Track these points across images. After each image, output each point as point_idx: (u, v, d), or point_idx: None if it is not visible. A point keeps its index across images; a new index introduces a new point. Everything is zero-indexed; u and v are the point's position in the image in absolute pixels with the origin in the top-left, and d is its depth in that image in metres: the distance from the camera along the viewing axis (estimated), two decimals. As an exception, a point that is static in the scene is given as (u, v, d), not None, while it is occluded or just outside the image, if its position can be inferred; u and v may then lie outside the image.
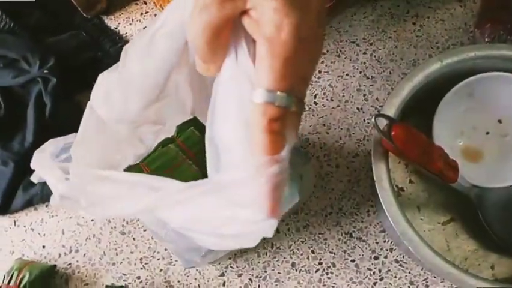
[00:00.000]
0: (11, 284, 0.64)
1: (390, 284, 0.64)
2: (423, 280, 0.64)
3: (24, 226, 0.75)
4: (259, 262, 0.67)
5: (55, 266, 0.70)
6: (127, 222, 0.72)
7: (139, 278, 0.69)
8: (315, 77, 0.76)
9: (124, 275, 0.69)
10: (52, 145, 0.44)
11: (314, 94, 0.74)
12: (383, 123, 0.53)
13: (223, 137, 0.30)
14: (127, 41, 0.83)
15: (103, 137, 0.44)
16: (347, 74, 0.75)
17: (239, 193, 0.28)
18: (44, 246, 0.73)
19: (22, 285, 0.64)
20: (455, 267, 0.50)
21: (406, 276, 0.64)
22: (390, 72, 0.75)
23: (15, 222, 0.75)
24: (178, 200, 0.31)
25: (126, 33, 0.84)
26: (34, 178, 0.43)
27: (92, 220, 0.73)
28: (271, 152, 0.28)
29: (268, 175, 0.27)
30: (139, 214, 0.42)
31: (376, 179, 0.54)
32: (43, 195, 0.73)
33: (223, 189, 0.29)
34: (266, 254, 0.68)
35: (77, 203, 0.38)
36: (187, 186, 0.31)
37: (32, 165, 0.42)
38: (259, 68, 0.28)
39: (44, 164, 0.41)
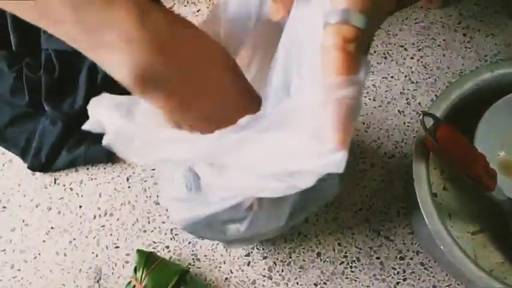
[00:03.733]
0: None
1: (413, 285, 0.65)
2: (447, 286, 0.64)
3: (64, 185, 0.78)
4: (285, 247, 0.69)
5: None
6: (162, 193, 0.74)
7: (167, 247, 0.71)
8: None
9: (154, 242, 0.72)
10: (109, 98, 0.44)
11: (357, 92, 0.75)
12: (428, 123, 0.53)
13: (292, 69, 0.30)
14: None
15: None
16: (391, 76, 0.76)
17: (307, 120, 0.26)
18: (80, 206, 0.76)
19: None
20: (486, 272, 0.51)
21: (430, 280, 0.65)
22: (435, 79, 0.75)
23: (55, 180, 0.78)
24: (235, 140, 0.30)
25: (180, 14, 0.87)
26: (87, 125, 0.43)
27: (129, 187, 0.76)
28: (347, 72, 0.25)
29: (342, 97, 0.25)
30: (192, 160, 0.40)
31: (415, 177, 0.55)
32: (86, 157, 0.77)
33: (289, 118, 0.27)
34: (293, 241, 0.69)
35: (129, 145, 0.38)
36: (247, 120, 0.29)
37: (89, 107, 0.42)
38: None
39: (102, 103, 0.41)
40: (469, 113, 0.61)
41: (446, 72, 0.76)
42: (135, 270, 0.66)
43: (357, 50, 0.26)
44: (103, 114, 0.41)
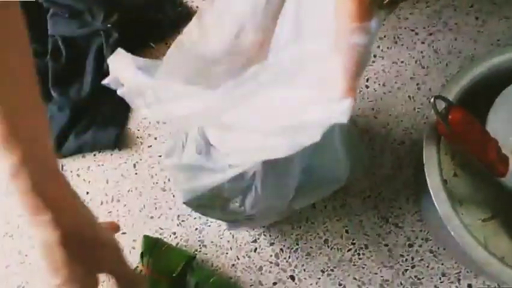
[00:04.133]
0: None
1: (422, 272, 0.64)
2: (456, 273, 0.63)
3: (71, 171, 0.78)
4: (292, 234, 0.68)
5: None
6: (169, 180, 0.74)
7: (174, 233, 0.71)
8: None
9: (161, 229, 0.71)
10: (128, 56, 0.45)
11: (367, 78, 0.74)
12: (440, 107, 0.52)
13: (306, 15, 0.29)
14: (186, 7, 0.84)
15: (184, 69, 0.44)
16: (402, 61, 0.75)
17: (315, 68, 0.26)
18: (87, 193, 0.76)
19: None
20: (497, 258, 0.50)
21: (439, 267, 0.64)
22: (446, 64, 0.74)
23: (62, 166, 0.79)
24: (242, 92, 0.30)
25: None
26: (106, 80, 0.43)
27: (136, 173, 0.75)
28: (360, 19, 0.25)
29: (354, 44, 0.24)
30: (202, 115, 0.39)
31: (426, 162, 0.54)
32: (93, 143, 0.76)
33: (297, 66, 0.27)
34: (300, 228, 0.68)
35: (142, 98, 0.38)
36: (255, 69, 0.29)
37: (109, 61, 0.42)
38: None
39: (121, 59, 0.41)
40: (481, 97, 0.59)
41: (458, 57, 0.74)
42: (142, 255, 0.66)
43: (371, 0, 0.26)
44: (120, 68, 0.41)
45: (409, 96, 0.73)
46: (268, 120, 0.31)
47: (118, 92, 0.40)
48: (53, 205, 0.32)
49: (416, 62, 0.75)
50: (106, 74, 0.77)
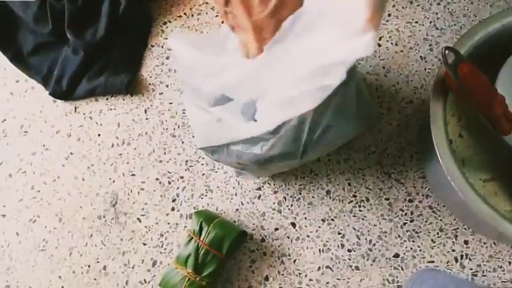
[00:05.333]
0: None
1: (420, 227, 0.66)
2: (454, 230, 0.65)
3: (84, 114, 0.80)
4: (295, 184, 0.70)
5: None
6: (178, 126, 0.76)
7: (182, 177, 0.73)
8: (383, 19, 0.75)
9: (169, 172, 0.74)
10: (183, 33, 0.50)
11: (380, 36, 0.74)
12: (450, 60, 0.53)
13: None
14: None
15: None
16: (416, 22, 0.75)
17: (341, 7, 0.27)
18: (99, 135, 0.78)
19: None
20: (497, 212, 0.51)
21: (437, 223, 0.66)
22: (461, 27, 0.74)
23: (76, 108, 0.80)
24: (279, 53, 0.31)
25: None
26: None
27: (146, 119, 0.77)
28: None
29: None
30: (250, 79, 0.42)
31: (432, 116, 0.55)
32: (106, 87, 0.78)
33: (325, 9, 0.27)
34: (303, 178, 0.70)
35: (196, 72, 0.40)
36: (290, 20, 0.30)
37: (170, 37, 0.46)
38: None
39: (178, 36, 0.44)
40: (492, 55, 0.59)
41: (473, 20, 0.74)
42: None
43: None
44: (177, 43, 0.44)
45: (421, 57, 0.73)
46: (298, 69, 0.32)
47: (178, 72, 0.45)
48: None
49: (430, 23, 0.75)
50: (121, 18, 0.79)
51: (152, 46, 0.82)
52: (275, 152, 0.54)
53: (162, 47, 0.81)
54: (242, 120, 0.52)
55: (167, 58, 0.80)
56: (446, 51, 0.52)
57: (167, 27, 0.82)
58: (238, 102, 0.52)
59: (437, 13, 0.75)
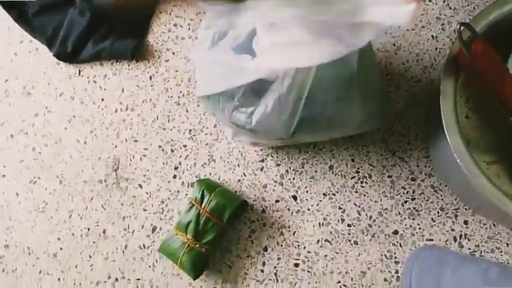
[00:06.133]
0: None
1: (421, 205, 0.66)
2: (454, 209, 0.65)
3: (88, 77, 0.79)
4: (298, 158, 0.70)
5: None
6: (183, 95, 0.75)
7: (185, 146, 0.73)
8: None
9: (172, 140, 0.73)
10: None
11: (392, 13, 0.73)
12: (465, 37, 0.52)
13: None
14: None
15: None
16: (429, 0, 0.74)
17: None
18: (103, 99, 0.77)
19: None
20: (502, 192, 0.51)
21: (438, 202, 0.66)
22: (474, 8, 0.72)
23: (80, 71, 0.79)
24: None
25: None
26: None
27: (151, 86, 0.76)
28: None
29: None
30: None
31: (442, 94, 0.55)
32: (111, 51, 0.77)
33: None
34: (307, 152, 0.70)
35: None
36: None
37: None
38: None
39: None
40: (506, 35, 0.59)
41: (487, 1, 0.72)
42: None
43: None
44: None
45: (432, 36, 0.72)
46: (322, 15, 0.31)
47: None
48: None
49: (444, 2, 0.73)
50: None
51: (160, 12, 0.80)
52: (264, 123, 0.53)
53: (170, 13, 0.80)
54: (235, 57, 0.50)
55: (175, 25, 0.79)
56: (462, 28, 0.51)
57: (176, -7, 0.81)
58: (231, 39, 0.50)
59: (451, -8, 0.74)
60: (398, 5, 0.26)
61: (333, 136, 0.64)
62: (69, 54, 0.78)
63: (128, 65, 0.78)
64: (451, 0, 0.73)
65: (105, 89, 0.78)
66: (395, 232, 0.65)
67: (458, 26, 0.51)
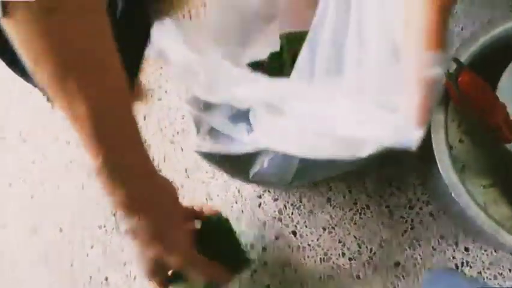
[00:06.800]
0: None
1: (420, 234, 0.66)
2: (454, 237, 0.65)
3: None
4: (296, 192, 0.70)
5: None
6: (178, 133, 0.75)
7: (182, 186, 0.73)
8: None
9: (168, 180, 0.73)
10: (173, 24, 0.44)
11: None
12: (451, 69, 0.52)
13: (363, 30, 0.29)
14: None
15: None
16: (416, 25, 0.74)
17: (386, 89, 0.26)
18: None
19: None
20: (496, 222, 0.51)
21: (438, 230, 0.65)
22: (462, 28, 0.73)
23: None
24: (308, 96, 0.30)
25: None
26: (150, 51, 0.43)
27: (145, 126, 0.77)
28: (439, 42, 0.22)
29: (431, 76, 0.23)
30: (262, 99, 0.39)
31: (432, 125, 0.54)
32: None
33: (367, 82, 0.27)
34: (304, 186, 0.70)
35: (196, 79, 0.38)
36: (323, 85, 0.29)
37: (154, 31, 0.42)
38: None
39: (166, 29, 0.40)
40: (494, 62, 0.59)
41: (474, 22, 0.73)
42: None
43: (448, 19, 0.24)
44: (167, 42, 0.40)
45: (421, 61, 0.72)
46: (324, 121, 0.31)
47: (167, 66, 0.41)
48: None
49: (431, 26, 0.74)
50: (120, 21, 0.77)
51: (150, 52, 0.81)
52: (261, 177, 0.54)
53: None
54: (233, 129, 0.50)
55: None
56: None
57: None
58: (228, 109, 0.50)
59: (437, 16, 0.74)
60: (406, 130, 0.26)
61: (334, 174, 0.63)
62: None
63: (121, 107, 0.79)
64: (437, 23, 0.74)
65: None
66: (397, 264, 0.65)
67: (443, 62, 0.51)
